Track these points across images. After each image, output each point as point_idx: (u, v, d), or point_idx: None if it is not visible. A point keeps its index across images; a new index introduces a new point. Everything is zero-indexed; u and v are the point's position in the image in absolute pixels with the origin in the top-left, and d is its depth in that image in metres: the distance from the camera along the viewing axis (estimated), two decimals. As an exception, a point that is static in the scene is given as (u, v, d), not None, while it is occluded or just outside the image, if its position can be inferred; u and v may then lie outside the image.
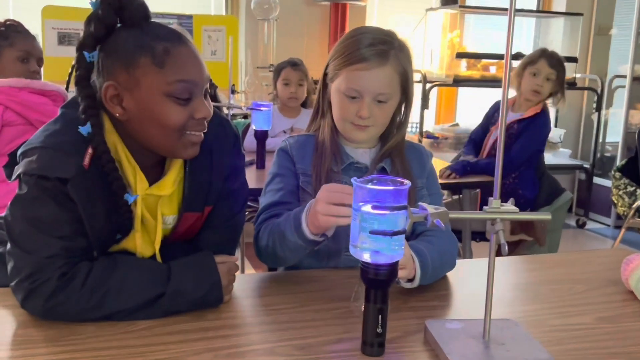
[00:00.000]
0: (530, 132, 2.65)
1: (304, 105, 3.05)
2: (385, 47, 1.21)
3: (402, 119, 1.32)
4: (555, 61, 2.70)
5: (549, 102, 2.75)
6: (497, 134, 2.96)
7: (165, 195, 1.07)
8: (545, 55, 2.71)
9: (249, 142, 2.77)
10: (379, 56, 1.21)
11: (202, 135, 1.04)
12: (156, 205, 1.07)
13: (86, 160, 0.97)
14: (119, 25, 1.00)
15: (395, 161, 1.29)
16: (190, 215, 1.11)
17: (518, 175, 2.71)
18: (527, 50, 5.00)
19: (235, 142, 1.18)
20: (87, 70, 0.99)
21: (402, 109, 1.31)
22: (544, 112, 2.70)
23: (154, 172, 1.08)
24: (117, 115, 1.00)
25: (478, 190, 2.85)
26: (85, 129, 0.98)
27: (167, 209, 1.10)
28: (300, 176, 1.29)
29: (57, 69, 2.84)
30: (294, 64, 2.99)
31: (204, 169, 1.11)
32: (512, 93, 2.81)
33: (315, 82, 3.42)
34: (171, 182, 1.07)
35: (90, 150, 0.98)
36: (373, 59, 1.20)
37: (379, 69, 1.21)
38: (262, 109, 2.48)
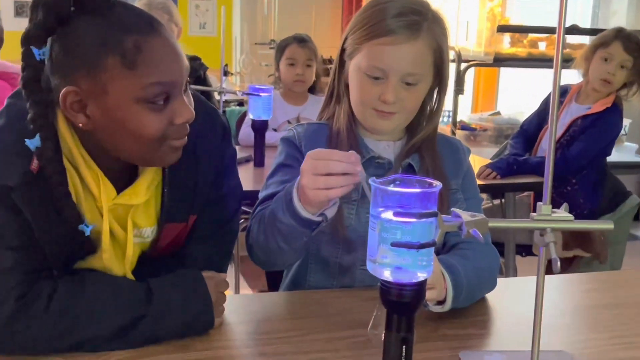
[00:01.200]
0: (596, 131, 2.62)
1: (312, 91, 3.05)
2: (417, 18, 1.21)
3: (434, 106, 1.32)
4: (633, 45, 2.64)
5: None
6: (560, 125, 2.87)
7: (138, 204, 1.07)
8: (620, 36, 2.65)
9: (245, 134, 2.78)
10: (409, 28, 1.20)
11: (186, 139, 1.04)
12: (128, 215, 1.07)
13: (34, 164, 0.97)
14: (72, 8, 0.95)
15: (424, 157, 1.29)
16: (172, 226, 1.12)
17: (579, 180, 2.69)
18: (584, 22, 4.98)
19: (225, 134, 1.18)
20: (36, 70, 0.95)
21: (435, 94, 1.31)
22: (616, 107, 2.65)
23: (124, 175, 1.07)
24: (80, 125, 0.98)
25: (525, 193, 2.84)
26: (33, 143, 0.95)
27: (142, 220, 1.10)
28: None
29: (15, 45, 2.86)
30: (302, 40, 2.99)
31: (187, 169, 1.10)
32: (578, 78, 2.78)
33: (326, 61, 3.43)
34: (145, 187, 1.07)
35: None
36: (402, 32, 1.20)
37: (409, 44, 1.21)
38: (261, 94, 2.49)
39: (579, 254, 2.67)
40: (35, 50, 0.94)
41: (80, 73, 0.95)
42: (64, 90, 0.95)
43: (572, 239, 2.63)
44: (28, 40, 0.94)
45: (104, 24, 0.95)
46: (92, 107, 0.97)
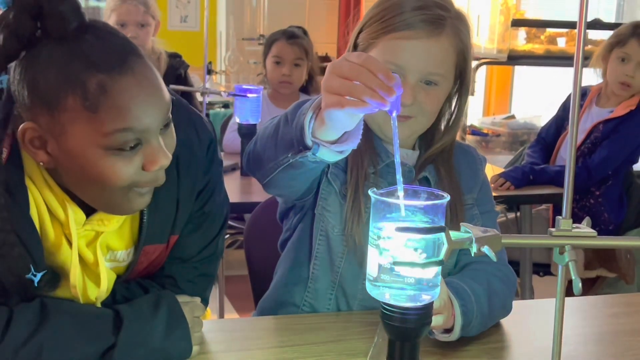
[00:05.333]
0: (620, 136, 2.64)
1: (306, 91, 3.04)
2: (442, 13, 1.22)
3: (453, 114, 1.32)
4: None
5: None
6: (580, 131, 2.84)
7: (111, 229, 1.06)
8: (638, 33, 2.66)
9: (231, 139, 2.78)
10: (432, 23, 1.21)
11: (159, 181, 1.01)
12: (102, 239, 1.06)
13: None
14: (39, 32, 0.92)
15: (440, 170, 1.29)
16: (151, 248, 1.11)
17: (603, 191, 2.70)
18: (608, 16, 5.01)
19: (211, 144, 1.16)
20: None
21: (454, 101, 1.31)
22: None
23: None
24: (41, 163, 0.97)
25: (543, 206, 2.84)
26: None
27: (116, 242, 1.09)
28: (330, 164, 1.24)
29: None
30: (291, 36, 2.98)
31: (169, 186, 1.08)
32: (599, 77, 2.79)
33: (322, 58, 3.42)
34: None
35: None
36: (423, 26, 1.21)
37: (432, 40, 1.21)
38: (248, 95, 2.49)
39: (602, 274, 2.67)
40: None
41: (39, 109, 0.92)
42: (22, 125, 0.93)
43: (595, 257, 2.64)
44: None
45: (68, 57, 0.91)
46: (52, 145, 0.95)
